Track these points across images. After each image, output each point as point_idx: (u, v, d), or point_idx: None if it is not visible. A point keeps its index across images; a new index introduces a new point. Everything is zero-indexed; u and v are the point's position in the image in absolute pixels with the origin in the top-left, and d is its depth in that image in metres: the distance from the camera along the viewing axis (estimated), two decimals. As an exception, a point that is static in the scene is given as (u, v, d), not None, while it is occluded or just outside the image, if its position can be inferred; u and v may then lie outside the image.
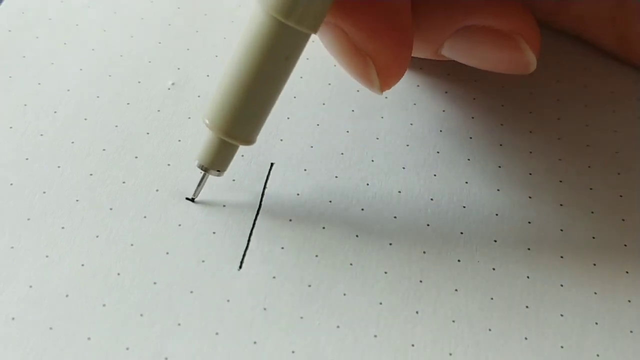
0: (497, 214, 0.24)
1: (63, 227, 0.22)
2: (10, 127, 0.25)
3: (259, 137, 0.25)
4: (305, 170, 0.25)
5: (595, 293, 0.22)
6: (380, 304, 0.22)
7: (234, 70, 0.20)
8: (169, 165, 0.24)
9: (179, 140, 0.25)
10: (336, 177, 0.24)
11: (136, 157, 0.24)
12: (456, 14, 0.23)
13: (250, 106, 0.20)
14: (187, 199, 0.23)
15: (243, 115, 0.21)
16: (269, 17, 0.19)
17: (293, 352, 0.21)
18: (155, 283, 0.22)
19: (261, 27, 0.19)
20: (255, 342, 0.21)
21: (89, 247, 0.22)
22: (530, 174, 0.25)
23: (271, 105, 0.21)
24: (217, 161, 0.22)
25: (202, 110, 0.21)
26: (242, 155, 0.25)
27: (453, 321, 0.22)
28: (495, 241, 0.23)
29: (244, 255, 0.22)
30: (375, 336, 0.21)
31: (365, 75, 0.22)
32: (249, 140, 0.21)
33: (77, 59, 0.27)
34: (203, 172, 0.22)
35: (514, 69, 0.24)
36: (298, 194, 0.24)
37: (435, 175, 0.25)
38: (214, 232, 0.23)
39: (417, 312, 0.22)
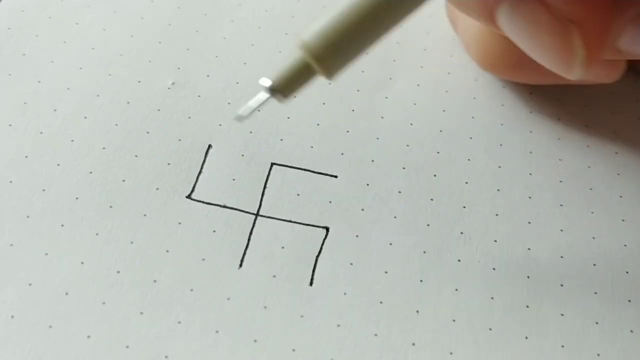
0: (497, 214, 0.24)
1: (63, 225, 0.22)
2: (10, 125, 0.25)
3: (259, 137, 0.25)
4: (305, 170, 0.25)
5: (596, 293, 0.22)
6: (381, 303, 0.22)
7: (353, 3, 0.19)
8: (168, 164, 0.24)
9: (179, 140, 0.25)
10: (336, 177, 0.24)
11: (136, 156, 0.24)
12: None
13: (353, 41, 0.20)
14: (236, 117, 0.22)
15: (341, 47, 0.20)
16: None
17: (293, 350, 0.21)
18: (155, 281, 0.22)
19: None
20: (255, 341, 0.21)
21: (88, 245, 0.22)
22: (531, 174, 0.25)
23: (368, 47, 0.20)
24: (289, 85, 0.20)
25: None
26: (242, 155, 0.25)
27: (453, 320, 0.22)
28: (496, 241, 0.23)
29: (244, 254, 0.22)
30: (376, 335, 0.21)
31: (567, 48, 0.20)
32: (332, 73, 0.20)
33: (77, 58, 0.27)
34: (268, 95, 0.21)
35: None
36: (298, 194, 0.24)
37: (435, 175, 0.25)
38: (214, 231, 0.23)
39: (417, 312, 0.22)
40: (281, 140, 0.25)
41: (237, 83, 0.27)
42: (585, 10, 0.20)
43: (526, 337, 0.21)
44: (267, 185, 0.24)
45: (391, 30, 0.20)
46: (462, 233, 0.23)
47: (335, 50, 0.20)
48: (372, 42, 0.20)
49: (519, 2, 0.21)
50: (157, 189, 0.24)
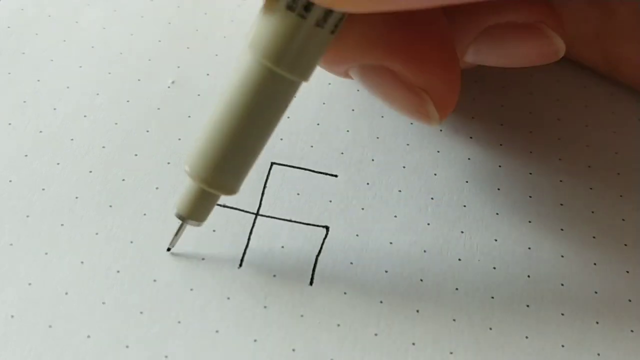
0: (497, 213, 0.24)
1: (62, 225, 0.22)
2: (10, 124, 0.25)
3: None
4: (305, 169, 0.25)
5: (596, 292, 0.22)
6: (381, 302, 0.22)
7: (219, 116, 0.19)
8: (168, 163, 0.24)
9: (179, 139, 0.25)
10: (336, 176, 0.24)
11: (136, 155, 0.24)
12: (478, 16, 0.22)
13: (235, 155, 0.19)
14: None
15: (226, 165, 0.19)
16: (259, 64, 0.18)
17: (293, 350, 0.21)
18: (155, 281, 0.21)
19: (249, 73, 0.18)
20: (255, 340, 0.21)
21: (88, 245, 0.22)
22: (531, 173, 0.25)
23: (257, 154, 0.20)
24: (196, 211, 0.20)
25: (185, 153, 0.20)
26: (242, 154, 0.25)
27: (454, 320, 0.22)
28: (496, 240, 0.23)
29: (244, 254, 0.22)
30: (376, 335, 0.21)
31: (422, 111, 0.21)
32: (231, 190, 0.20)
33: (76, 57, 0.27)
34: (181, 222, 0.21)
35: (544, 59, 0.23)
36: (298, 194, 0.24)
37: (435, 174, 0.25)
38: (214, 230, 0.23)
39: (417, 311, 0.22)
40: (281, 140, 0.25)
41: (237, 82, 0.27)
42: (435, 78, 0.21)
43: (526, 337, 0.21)
44: (267, 185, 0.24)
45: (268, 137, 0.19)
46: (462, 232, 0.23)
47: (222, 171, 0.19)
48: (256, 151, 0.20)
49: (367, 70, 0.21)
50: (157, 188, 0.24)
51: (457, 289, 0.22)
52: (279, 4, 0.18)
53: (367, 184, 0.24)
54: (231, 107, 0.19)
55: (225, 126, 0.19)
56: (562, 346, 0.21)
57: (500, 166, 0.25)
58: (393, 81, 0.21)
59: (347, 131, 0.26)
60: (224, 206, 0.23)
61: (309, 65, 0.18)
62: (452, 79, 0.22)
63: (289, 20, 0.18)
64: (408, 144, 0.25)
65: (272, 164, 0.25)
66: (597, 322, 0.22)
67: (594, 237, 0.24)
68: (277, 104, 0.19)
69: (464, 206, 0.24)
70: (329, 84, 0.27)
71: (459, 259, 0.23)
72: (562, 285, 0.22)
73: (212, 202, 0.21)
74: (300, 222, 0.23)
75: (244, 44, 0.19)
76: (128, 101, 0.26)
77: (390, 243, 0.23)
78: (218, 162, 0.19)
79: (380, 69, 0.21)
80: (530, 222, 0.24)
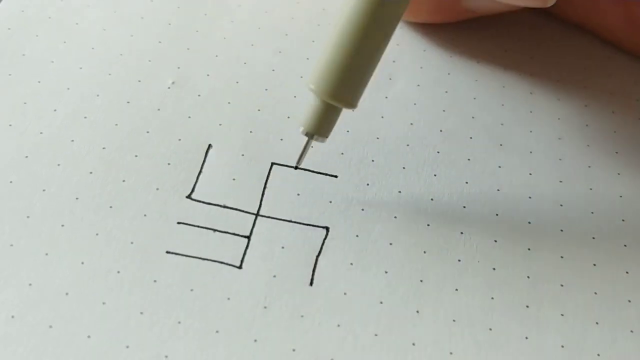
0: (497, 214, 0.24)
1: (63, 226, 0.22)
2: (10, 125, 0.25)
3: (259, 137, 0.25)
4: (305, 170, 0.25)
5: (596, 293, 0.22)
6: (381, 303, 0.22)
7: (339, 36, 0.21)
8: (168, 164, 0.24)
9: (179, 139, 0.25)
10: (336, 176, 0.24)
11: (136, 156, 0.24)
12: None
13: (355, 70, 0.21)
14: (289, 166, 0.24)
15: (348, 79, 0.21)
16: None
17: (293, 350, 0.21)
18: (155, 281, 0.22)
19: None
20: (255, 341, 0.21)
21: (88, 246, 0.22)
22: (530, 174, 0.25)
23: (373, 68, 0.22)
24: (322, 126, 0.22)
25: (306, 76, 0.22)
26: (243, 155, 0.25)
27: (453, 321, 0.22)
28: (496, 241, 0.23)
29: (244, 254, 0.22)
30: (376, 335, 0.21)
31: None
32: (352, 103, 0.22)
33: (77, 58, 0.27)
34: (307, 139, 0.23)
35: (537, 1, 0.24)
36: (298, 194, 0.24)
37: (435, 175, 0.25)
38: (214, 231, 0.23)
39: (417, 312, 0.22)
40: (281, 140, 0.25)
41: (237, 83, 0.27)
42: None
43: (526, 337, 0.21)
44: (267, 185, 0.24)
45: (382, 52, 0.22)
46: (462, 233, 0.23)
47: (345, 85, 0.21)
48: (373, 65, 0.22)
49: None
50: (157, 189, 0.24)
51: (456, 289, 0.22)
52: None
53: (367, 184, 0.24)
54: (350, 28, 0.21)
55: (346, 44, 0.21)
56: (562, 346, 0.21)
57: (500, 166, 0.25)
58: None
59: (347, 131, 0.26)
60: (225, 207, 0.23)
61: None
62: None
63: None
64: (408, 144, 0.25)
65: (272, 164, 0.25)
66: (597, 323, 0.22)
67: (593, 238, 0.24)
68: (390, 22, 0.21)
69: (464, 207, 0.24)
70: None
71: (459, 260, 0.23)
72: (562, 285, 0.22)
73: (335, 116, 0.22)
74: (300, 223, 0.23)
75: None
76: (128, 102, 0.26)
77: (390, 244, 0.23)
78: (341, 77, 0.21)
79: None
80: (530, 222, 0.24)
